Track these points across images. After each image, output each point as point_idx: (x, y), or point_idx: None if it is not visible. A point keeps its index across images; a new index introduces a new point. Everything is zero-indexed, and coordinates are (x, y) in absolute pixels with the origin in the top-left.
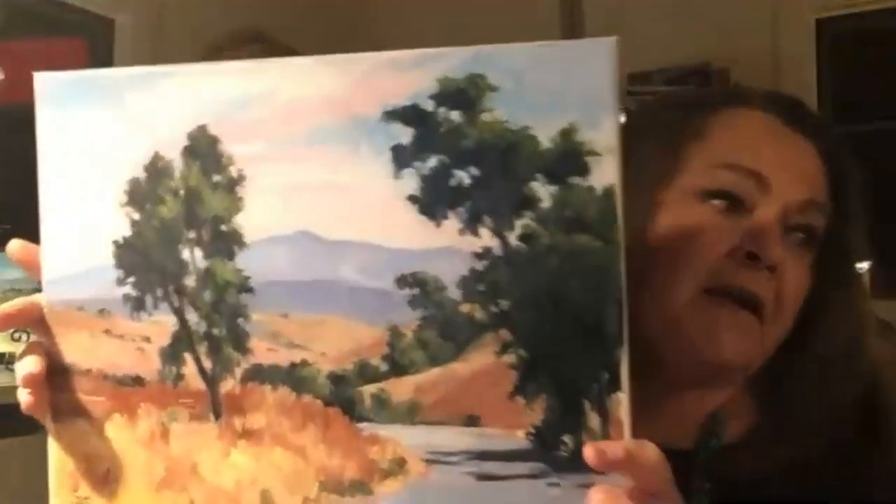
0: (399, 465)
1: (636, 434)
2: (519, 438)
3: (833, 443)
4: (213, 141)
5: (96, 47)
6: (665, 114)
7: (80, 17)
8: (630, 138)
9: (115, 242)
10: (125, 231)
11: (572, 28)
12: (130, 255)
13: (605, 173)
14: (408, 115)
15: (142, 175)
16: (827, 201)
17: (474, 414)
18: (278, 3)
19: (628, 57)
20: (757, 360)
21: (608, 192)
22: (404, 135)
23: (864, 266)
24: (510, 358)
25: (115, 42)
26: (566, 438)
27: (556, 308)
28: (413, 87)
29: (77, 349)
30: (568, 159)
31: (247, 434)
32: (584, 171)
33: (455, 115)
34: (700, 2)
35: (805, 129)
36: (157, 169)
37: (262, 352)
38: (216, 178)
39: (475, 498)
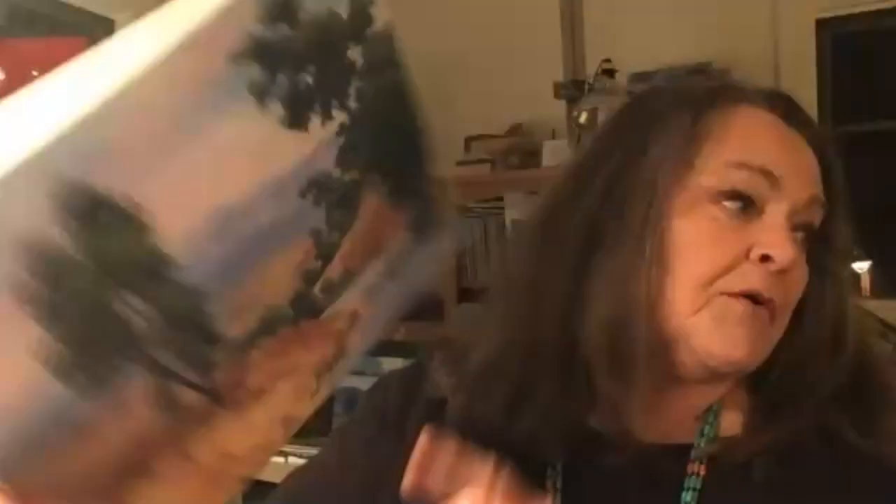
0: (354, 317)
1: None
2: None
3: (822, 426)
4: None
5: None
6: (673, 112)
7: (80, 17)
8: (636, 132)
9: None
10: None
11: (572, 27)
12: None
13: (383, 13)
14: (248, 50)
15: None
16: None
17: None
18: None
19: (628, 57)
20: (764, 357)
21: (388, 26)
22: (252, 70)
23: (863, 266)
24: (386, 196)
25: None
26: None
27: (395, 137)
28: (240, 24)
29: None
30: (360, 17)
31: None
32: (370, 20)
33: (283, 28)
34: (700, 2)
35: (801, 126)
36: None
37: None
38: None
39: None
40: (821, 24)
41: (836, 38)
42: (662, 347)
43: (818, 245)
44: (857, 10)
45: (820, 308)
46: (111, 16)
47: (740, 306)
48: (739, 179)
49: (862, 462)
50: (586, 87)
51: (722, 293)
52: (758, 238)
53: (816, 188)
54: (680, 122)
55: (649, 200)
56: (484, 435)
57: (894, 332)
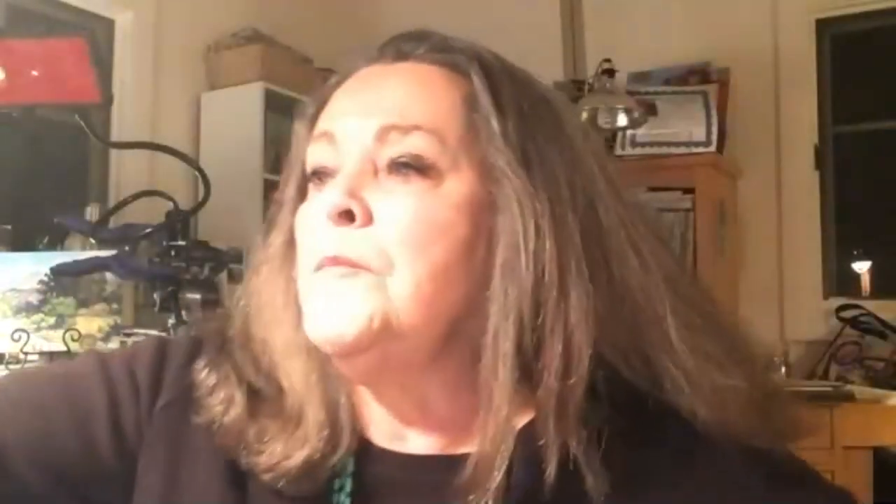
0: None
1: None
2: None
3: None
4: None
5: (96, 47)
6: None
7: (80, 17)
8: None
9: None
10: None
11: (572, 27)
12: None
13: None
14: None
15: None
16: (440, 119)
17: None
18: (278, 2)
19: (628, 57)
20: (396, 323)
21: None
22: None
23: (863, 266)
24: None
25: (115, 42)
26: None
27: None
28: None
29: None
30: None
31: None
32: None
33: None
34: (700, 2)
35: (422, 54)
36: None
37: None
38: None
39: None
40: (821, 24)
41: (836, 38)
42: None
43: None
44: (857, 10)
45: (504, 266)
46: (111, 16)
47: (312, 279)
48: (309, 154)
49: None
50: (586, 87)
51: (310, 273)
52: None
53: (389, 117)
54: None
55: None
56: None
57: (894, 332)
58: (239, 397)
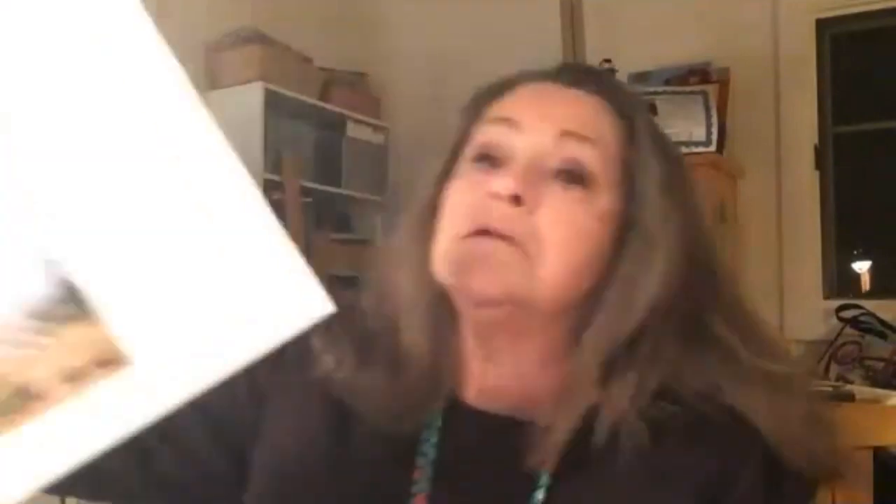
0: None
1: None
2: None
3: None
4: None
5: None
6: (470, 105)
7: None
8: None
9: None
10: None
11: (572, 27)
12: None
13: None
14: None
15: None
16: (605, 139)
17: None
18: (278, 2)
19: (628, 57)
20: (530, 297)
21: None
22: None
23: (863, 266)
24: None
25: None
26: None
27: None
28: None
29: None
30: None
31: None
32: None
33: None
34: (700, 2)
35: (590, 85)
36: None
37: None
38: None
39: None
40: (821, 24)
41: (836, 38)
42: (444, 295)
43: (629, 194)
44: (857, 10)
45: (625, 278)
46: None
47: (471, 243)
48: (482, 134)
49: (701, 418)
50: None
51: (462, 238)
52: (493, 180)
53: (569, 124)
54: (468, 114)
55: (433, 180)
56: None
57: (894, 332)
58: (350, 355)
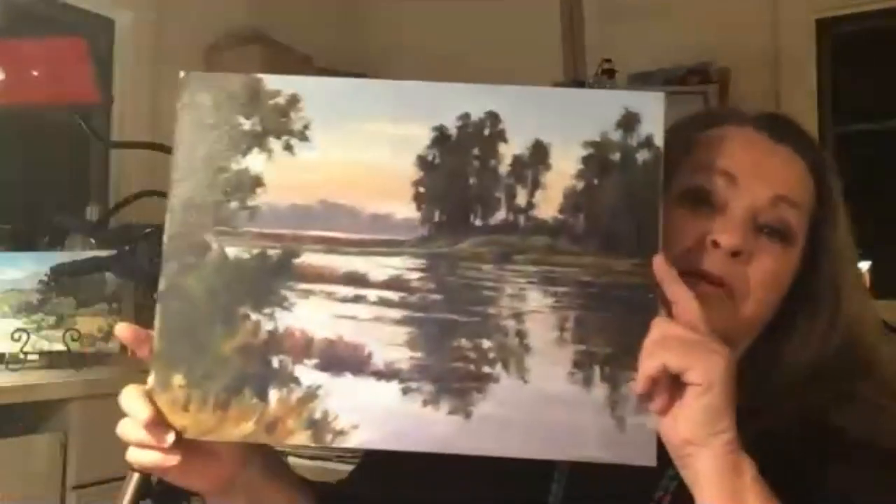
0: None
1: None
2: None
3: (804, 413)
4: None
5: (96, 47)
6: (678, 135)
7: (80, 17)
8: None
9: None
10: None
11: (572, 27)
12: None
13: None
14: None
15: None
16: (806, 202)
17: None
18: (278, 2)
19: (628, 57)
20: (729, 332)
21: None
22: None
23: (863, 266)
24: None
25: (115, 42)
26: None
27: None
28: None
29: None
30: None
31: None
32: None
33: None
34: (700, 2)
35: (792, 142)
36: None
37: None
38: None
39: None
40: (821, 24)
41: (836, 38)
42: None
43: (816, 250)
44: (857, 10)
45: (814, 305)
46: (111, 16)
47: (691, 283)
48: (699, 179)
49: (842, 445)
50: (586, 87)
51: (680, 274)
52: (713, 228)
53: (783, 189)
54: (677, 143)
55: None
56: None
57: (895, 332)
58: None
